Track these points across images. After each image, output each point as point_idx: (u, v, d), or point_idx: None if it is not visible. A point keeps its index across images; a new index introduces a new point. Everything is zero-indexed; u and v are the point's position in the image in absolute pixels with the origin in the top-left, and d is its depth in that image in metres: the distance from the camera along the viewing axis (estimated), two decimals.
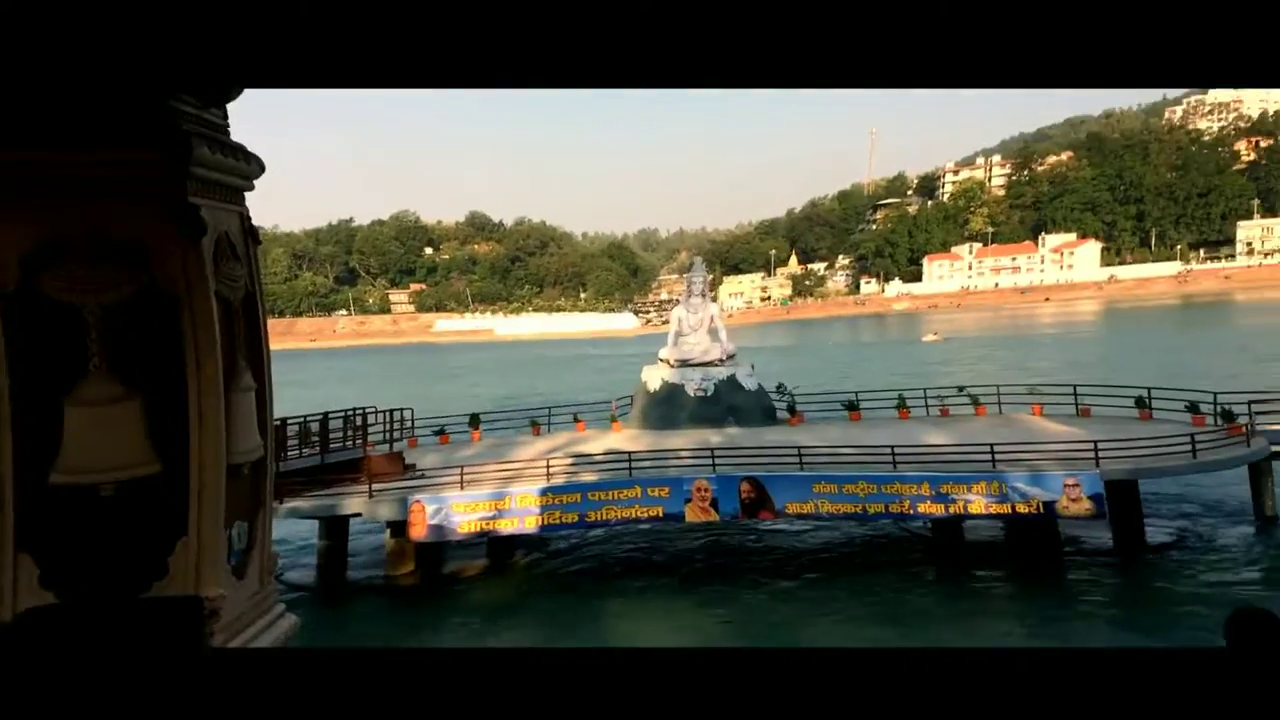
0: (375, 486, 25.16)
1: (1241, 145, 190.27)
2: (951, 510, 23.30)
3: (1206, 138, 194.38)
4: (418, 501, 24.28)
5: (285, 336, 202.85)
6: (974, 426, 29.38)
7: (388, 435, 29.18)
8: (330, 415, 27.86)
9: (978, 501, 22.95)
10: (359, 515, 25.07)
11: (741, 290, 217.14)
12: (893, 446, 24.57)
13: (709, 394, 33.86)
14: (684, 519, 24.34)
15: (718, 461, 25.09)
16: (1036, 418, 30.77)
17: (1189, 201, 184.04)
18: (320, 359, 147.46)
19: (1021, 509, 22.79)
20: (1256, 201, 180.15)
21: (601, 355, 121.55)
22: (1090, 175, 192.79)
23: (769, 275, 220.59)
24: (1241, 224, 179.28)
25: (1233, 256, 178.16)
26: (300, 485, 25.39)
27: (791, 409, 34.53)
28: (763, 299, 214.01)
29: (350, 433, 28.12)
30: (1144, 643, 18.31)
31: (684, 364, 34.72)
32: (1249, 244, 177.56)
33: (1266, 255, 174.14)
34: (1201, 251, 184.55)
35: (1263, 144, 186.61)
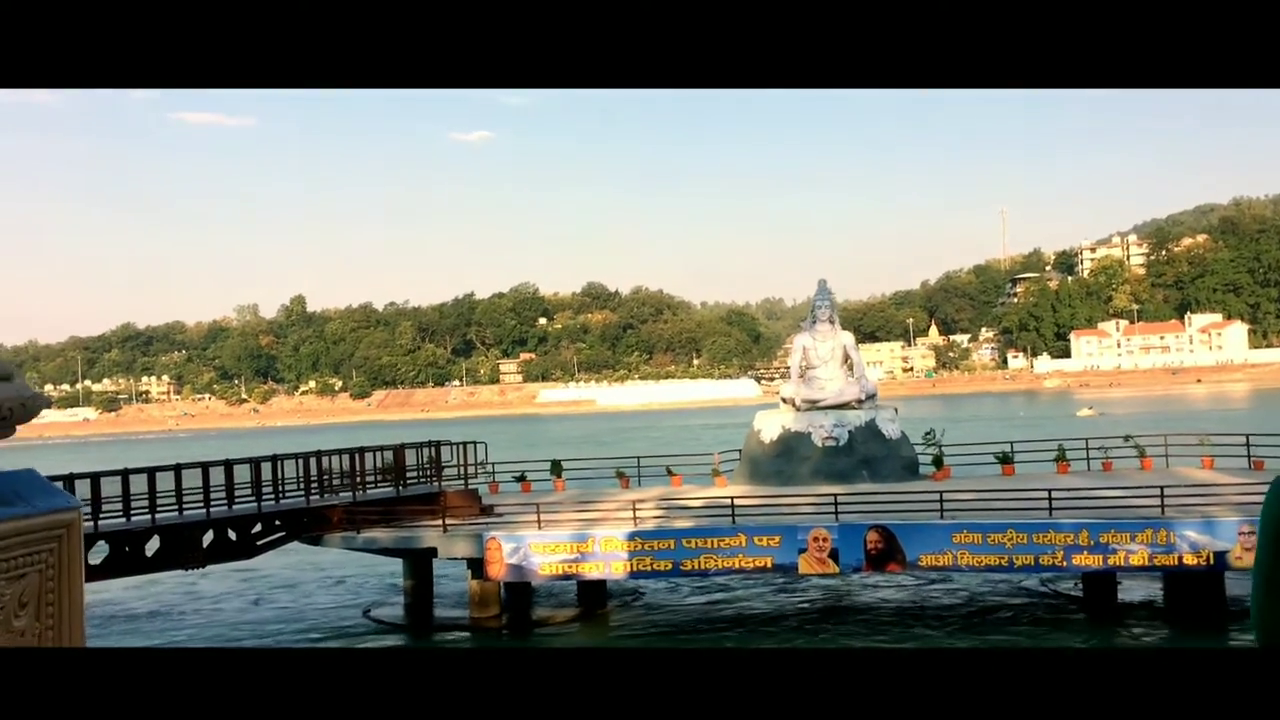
0: (450, 522, 23.74)
1: None
2: (1110, 562, 20.23)
3: None
4: (493, 538, 22.56)
5: (404, 407, 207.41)
6: (1138, 480, 25.84)
7: (462, 471, 27.68)
8: (405, 447, 26.98)
9: (1140, 552, 19.94)
10: (434, 551, 23.71)
11: (880, 359, 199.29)
12: (1050, 489, 21.34)
13: (841, 443, 28.24)
14: (797, 570, 21.64)
15: (841, 511, 21.82)
16: (1207, 470, 27.38)
17: None
18: (402, 428, 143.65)
19: (1189, 560, 19.83)
20: None
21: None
22: (1229, 257, 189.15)
23: (908, 345, 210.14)
24: None
25: None
26: (376, 516, 25.09)
27: (938, 462, 29.05)
28: (904, 369, 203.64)
29: (426, 466, 27.22)
30: None
31: (813, 406, 29.29)
32: None
33: None
34: None
35: None
